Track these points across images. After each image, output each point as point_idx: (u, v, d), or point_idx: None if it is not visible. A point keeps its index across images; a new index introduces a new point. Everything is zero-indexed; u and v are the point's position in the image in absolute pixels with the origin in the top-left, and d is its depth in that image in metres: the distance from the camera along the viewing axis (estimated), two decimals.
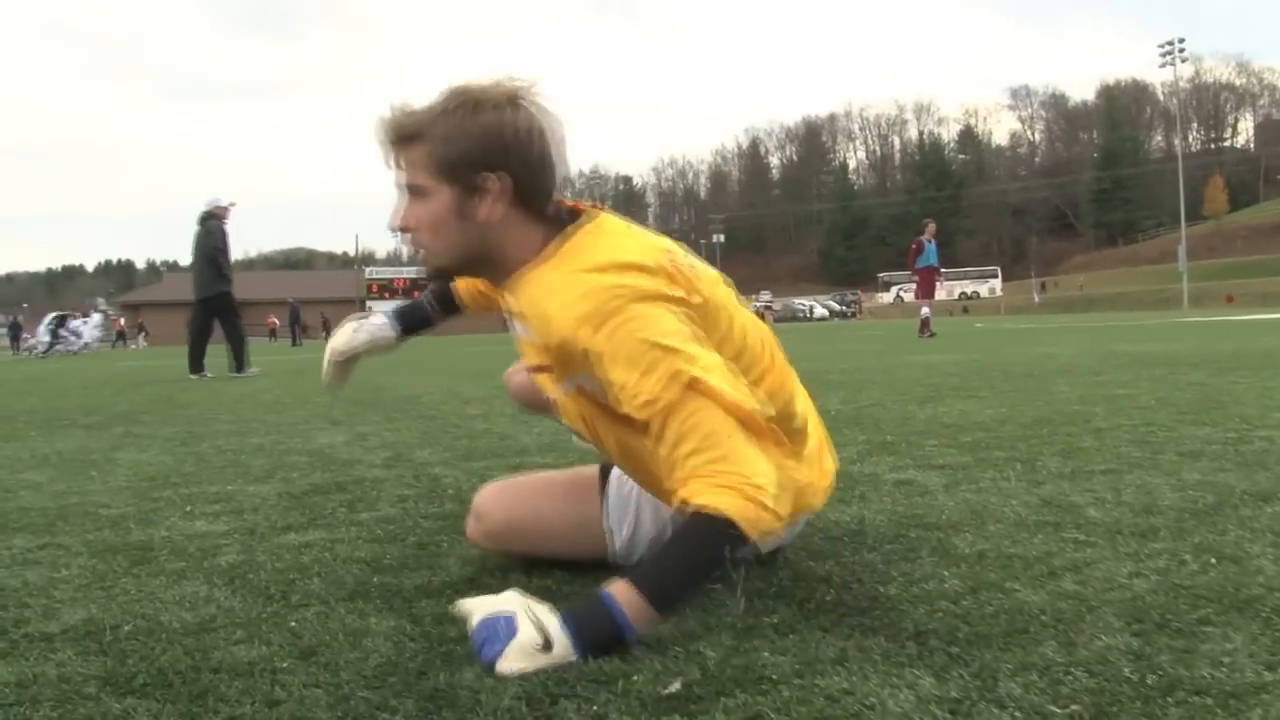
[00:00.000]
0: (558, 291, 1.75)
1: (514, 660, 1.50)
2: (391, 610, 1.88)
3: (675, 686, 1.44)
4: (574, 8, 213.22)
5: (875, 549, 2.23)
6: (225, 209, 12.49)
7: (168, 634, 1.78)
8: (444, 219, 1.81)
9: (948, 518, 2.52)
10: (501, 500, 2.19)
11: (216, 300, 12.34)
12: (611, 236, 1.84)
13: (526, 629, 1.52)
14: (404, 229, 1.86)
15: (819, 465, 2.03)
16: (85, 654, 1.69)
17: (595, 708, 1.38)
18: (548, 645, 1.51)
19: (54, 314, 37.46)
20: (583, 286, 1.73)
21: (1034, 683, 1.40)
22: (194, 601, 2.00)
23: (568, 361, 1.78)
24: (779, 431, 1.85)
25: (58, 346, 35.40)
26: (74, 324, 37.18)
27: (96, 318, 37.95)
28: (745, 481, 1.64)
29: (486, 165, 1.77)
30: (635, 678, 1.48)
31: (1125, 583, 1.86)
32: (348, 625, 1.79)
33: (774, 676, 1.46)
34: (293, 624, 1.81)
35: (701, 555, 1.63)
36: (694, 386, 1.67)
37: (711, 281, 1.87)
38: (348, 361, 2.41)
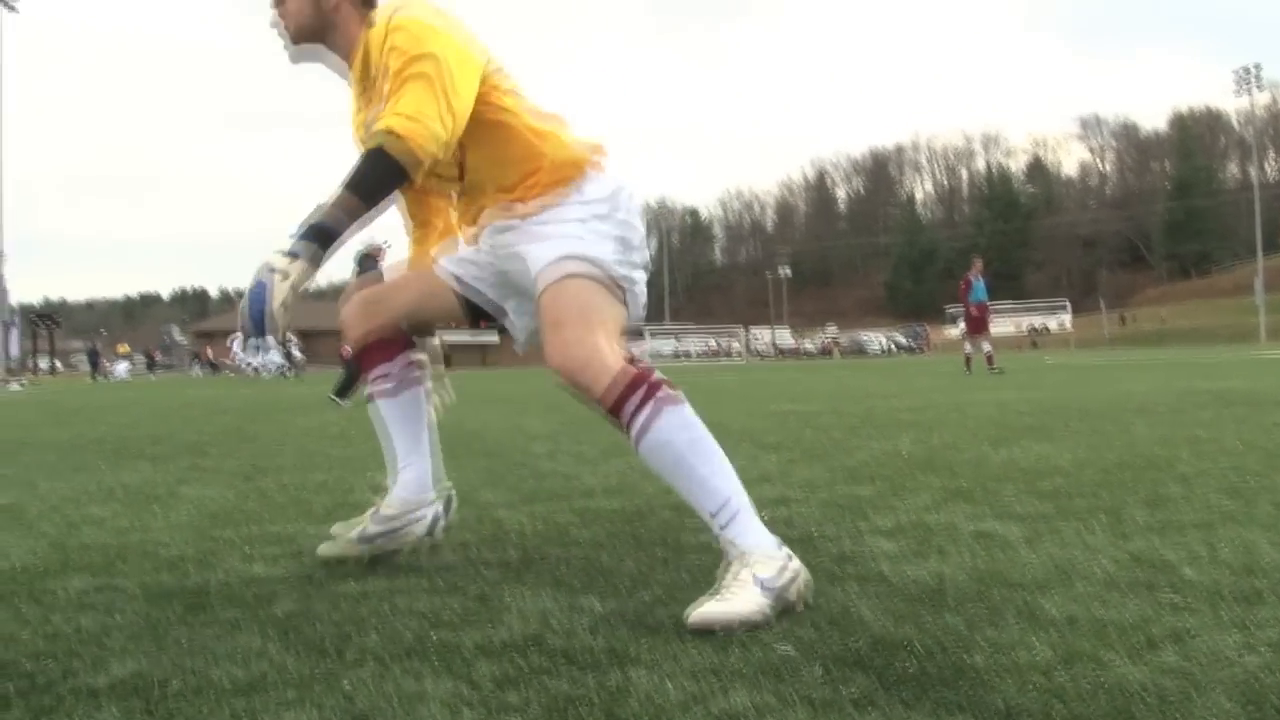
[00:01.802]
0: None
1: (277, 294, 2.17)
2: (449, 671, 1.80)
3: None
4: (641, 39, 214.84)
5: (957, 611, 2.11)
6: (380, 249, 12.81)
7: (216, 692, 1.72)
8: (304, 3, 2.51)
9: (1032, 576, 2.39)
10: (361, 314, 2.77)
11: None
12: None
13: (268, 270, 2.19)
14: (282, 18, 2.55)
15: None
16: (130, 713, 1.62)
17: None
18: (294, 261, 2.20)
19: (284, 335, 36.83)
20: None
21: None
22: (246, 655, 1.93)
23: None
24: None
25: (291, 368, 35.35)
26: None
27: (293, 340, 37.45)
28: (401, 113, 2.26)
29: None
30: None
31: (1234, 658, 1.73)
32: (403, 688, 1.71)
33: None
34: (346, 685, 1.73)
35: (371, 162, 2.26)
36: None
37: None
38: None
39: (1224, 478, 3.86)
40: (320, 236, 2.23)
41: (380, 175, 2.27)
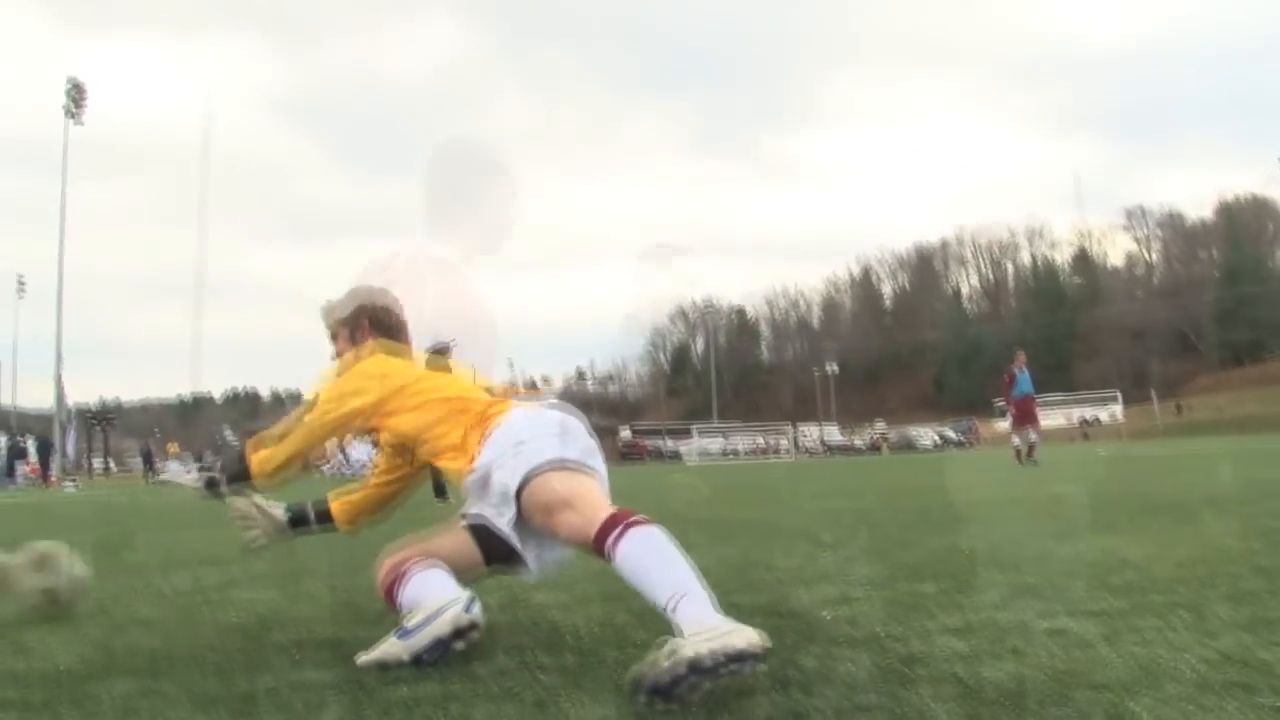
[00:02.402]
0: None
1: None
2: None
3: None
4: (685, 147, 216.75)
5: (1039, 714, 1.99)
6: (449, 346, 13.01)
7: None
8: (346, 345, 3.32)
9: (1116, 676, 2.27)
10: (388, 555, 3.09)
11: None
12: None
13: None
14: (336, 354, 3.33)
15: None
16: None
17: None
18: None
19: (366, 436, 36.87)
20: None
21: None
22: None
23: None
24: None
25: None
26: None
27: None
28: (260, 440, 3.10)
29: (360, 315, 3.36)
30: None
31: None
32: None
33: None
34: None
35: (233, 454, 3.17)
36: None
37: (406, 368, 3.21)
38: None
39: None
40: (208, 484, 3.21)
41: (238, 475, 3.16)
